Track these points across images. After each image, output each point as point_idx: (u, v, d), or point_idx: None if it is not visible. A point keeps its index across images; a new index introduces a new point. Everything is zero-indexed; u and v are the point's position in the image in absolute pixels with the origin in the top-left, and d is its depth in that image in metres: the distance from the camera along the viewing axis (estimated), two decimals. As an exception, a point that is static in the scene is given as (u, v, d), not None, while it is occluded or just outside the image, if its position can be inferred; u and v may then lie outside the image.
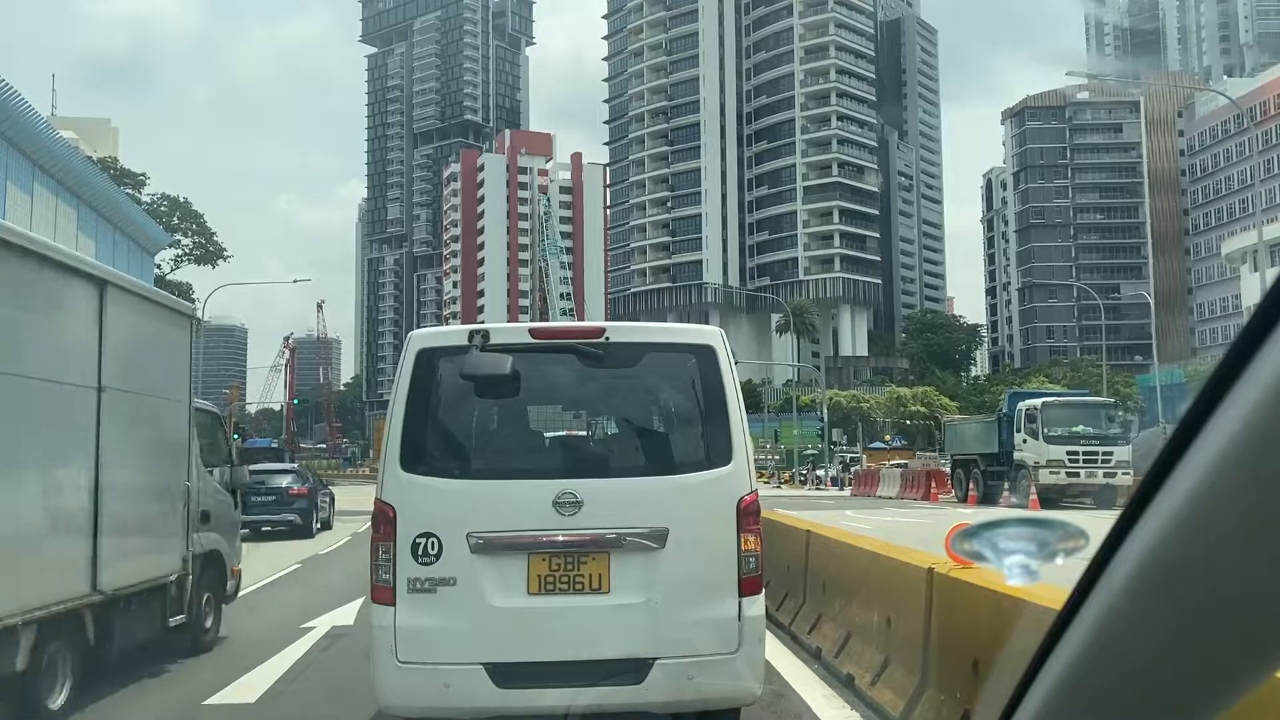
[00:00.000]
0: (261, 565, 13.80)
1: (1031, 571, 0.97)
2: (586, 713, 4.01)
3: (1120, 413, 26.76)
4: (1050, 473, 24.62)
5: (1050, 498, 24.59)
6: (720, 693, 4.12)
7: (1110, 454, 24.43)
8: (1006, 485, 26.05)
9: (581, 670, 3.99)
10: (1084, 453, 24.59)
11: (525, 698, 3.99)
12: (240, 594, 10.75)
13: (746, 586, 4.10)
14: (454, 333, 4.33)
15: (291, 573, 12.97)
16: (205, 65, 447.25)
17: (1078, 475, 24.53)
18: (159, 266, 53.56)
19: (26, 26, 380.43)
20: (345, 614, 8.88)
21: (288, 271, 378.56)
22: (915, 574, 4.90)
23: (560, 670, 4.00)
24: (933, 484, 31.46)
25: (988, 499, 26.91)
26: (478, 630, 4.02)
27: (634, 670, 3.98)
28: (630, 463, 4.48)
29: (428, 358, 4.24)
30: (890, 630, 5.23)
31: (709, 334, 4.44)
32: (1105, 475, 24.12)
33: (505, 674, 3.98)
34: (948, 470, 33.33)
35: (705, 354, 4.30)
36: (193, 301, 55.61)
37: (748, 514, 4.14)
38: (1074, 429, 25.00)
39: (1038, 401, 26.36)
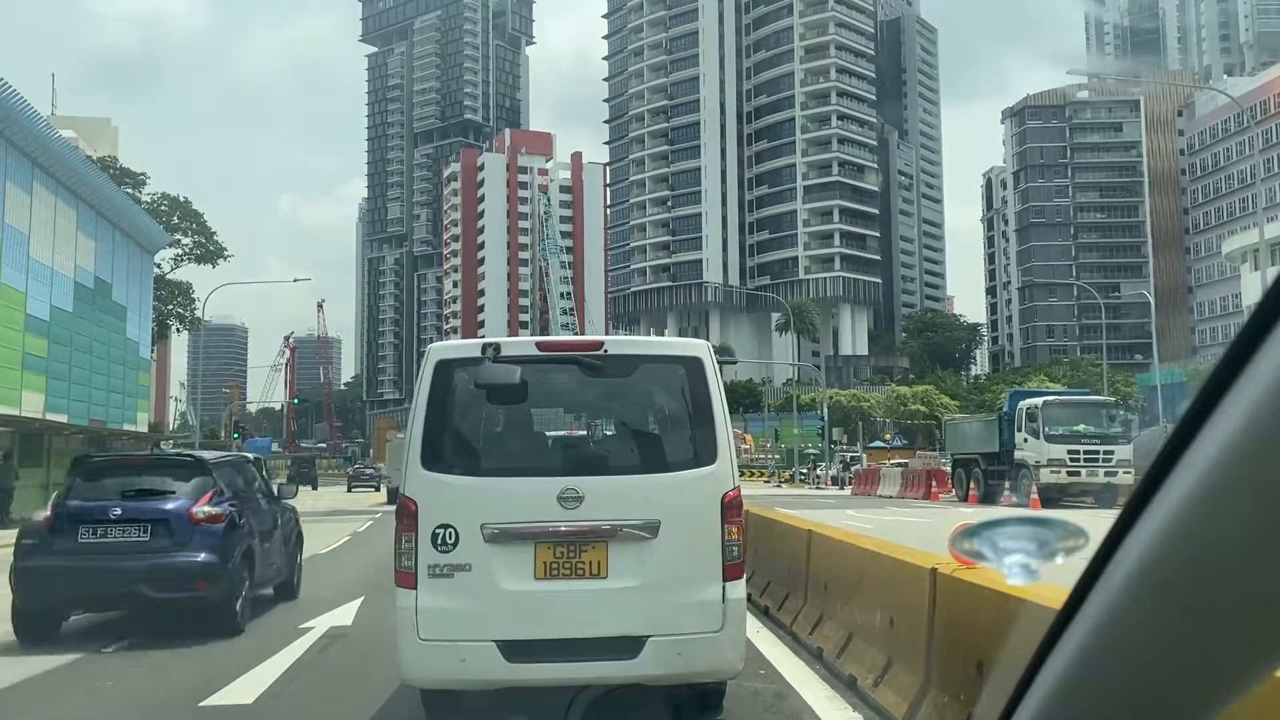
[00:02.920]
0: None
1: (1031, 571, 0.97)
2: (591, 688, 4.17)
3: (1121, 411, 26.67)
4: (1051, 472, 24.53)
5: (1051, 497, 24.50)
6: (706, 667, 4.59)
7: (1111, 453, 24.34)
8: (1007, 484, 25.96)
9: (582, 647, 4.41)
10: (1085, 452, 24.49)
11: (532, 671, 4.41)
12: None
13: (730, 572, 4.55)
14: (468, 345, 4.78)
15: (290, 572, 12.88)
16: (212, 65, 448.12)
17: (1079, 474, 24.43)
18: (159, 266, 53.47)
19: (36, 26, 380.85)
20: (344, 614, 8.82)
21: (290, 271, 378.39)
22: (918, 574, 4.85)
23: (563, 646, 4.41)
24: (933, 483, 31.39)
25: (989, 498, 26.84)
26: (490, 611, 4.45)
27: (629, 647, 4.41)
28: (626, 462, 4.93)
29: (445, 368, 4.71)
30: (893, 631, 5.18)
31: (697, 346, 4.89)
32: (1106, 474, 24.02)
33: (515, 650, 4.41)
34: (948, 469, 33.29)
35: (693, 365, 4.75)
36: (192, 301, 55.66)
37: (731, 507, 4.60)
38: (1075, 428, 24.90)
39: (1038, 400, 26.26)
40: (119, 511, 7.96)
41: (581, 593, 4.48)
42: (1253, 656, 0.70)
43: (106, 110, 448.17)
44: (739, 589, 4.60)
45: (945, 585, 4.54)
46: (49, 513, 8.30)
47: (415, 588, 4.48)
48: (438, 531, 4.47)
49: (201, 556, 7.88)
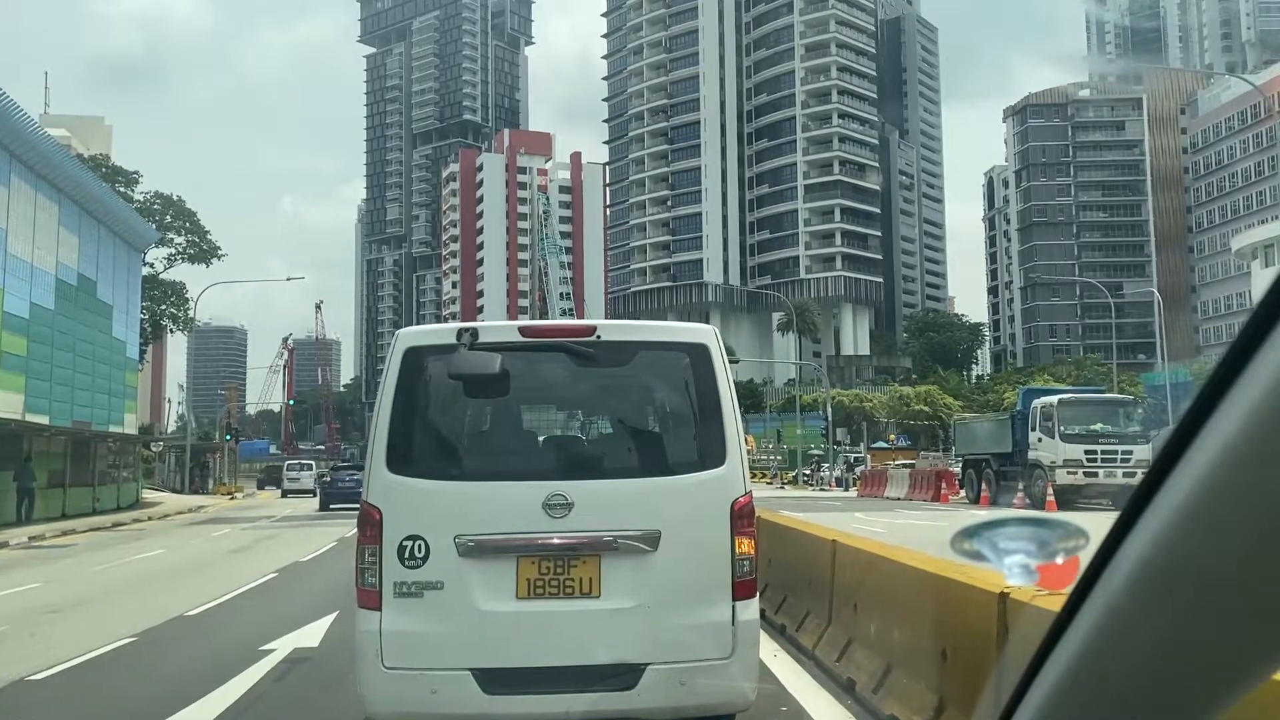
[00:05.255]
0: (234, 573, 12.90)
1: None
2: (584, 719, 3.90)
3: (1139, 410, 25.73)
4: (1067, 473, 23.61)
5: (1067, 498, 23.63)
6: (714, 698, 4.02)
7: (1130, 453, 23.38)
8: (1021, 486, 25.10)
9: (571, 676, 3.89)
10: (1102, 452, 23.55)
11: (513, 704, 3.90)
12: (202, 608, 9.87)
13: (740, 590, 4.03)
14: (442, 331, 4.23)
15: (265, 583, 12.01)
16: (216, 66, 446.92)
17: (1096, 475, 23.48)
18: (151, 266, 52.61)
19: (39, 27, 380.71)
20: (311, 634, 7.92)
21: (291, 272, 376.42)
22: (982, 599, 3.98)
23: (549, 676, 3.90)
24: (943, 485, 30.50)
25: (1000, 500, 25.99)
26: (465, 635, 3.92)
27: (625, 676, 3.90)
28: (622, 464, 4.30)
29: (415, 357, 4.15)
30: (947, 666, 4.31)
31: (702, 332, 4.35)
32: (1125, 475, 23.02)
33: (493, 680, 3.88)
34: (955, 470, 32.44)
35: (698, 353, 4.22)
36: (186, 301, 54.84)
37: (741, 516, 4.07)
38: (1092, 427, 23.97)
39: (1053, 399, 25.37)
40: (348, 478, 30.47)
41: (570, 614, 3.95)
42: (1253, 657, 0.70)
43: (111, 111, 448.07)
44: (751, 609, 4.05)
45: (1020, 615, 3.66)
46: (329, 477, 34.37)
47: (379, 608, 3.92)
48: (405, 544, 3.92)
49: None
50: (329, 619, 8.53)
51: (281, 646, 7.41)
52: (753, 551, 4.10)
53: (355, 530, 16.00)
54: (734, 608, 3.99)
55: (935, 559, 4.91)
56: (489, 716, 3.92)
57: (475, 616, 3.90)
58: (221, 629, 8.73)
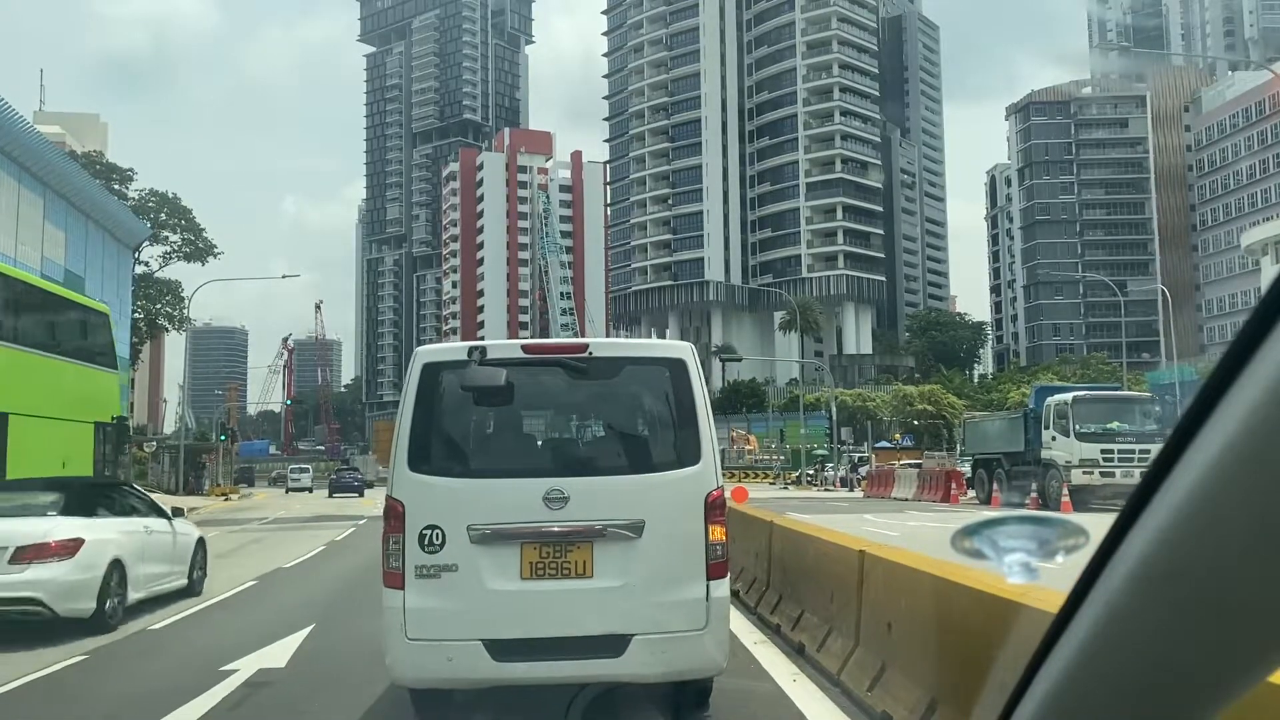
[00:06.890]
0: (210, 581, 12.13)
1: None
2: (591, 688, 4.24)
3: (1157, 408, 24.97)
4: (1083, 473, 22.86)
5: (1083, 499, 22.89)
6: (690, 665, 4.60)
7: (1147, 452, 22.56)
8: (1034, 486, 24.36)
9: (568, 645, 4.45)
10: (1119, 451, 22.81)
11: (519, 669, 4.46)
12: (166, 622, 9.14)
13: (714, 571, 4.60)
14: (455, 349, 4.84)
15: (240, 592, 11.24)
16: (221, 67, 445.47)
17: (1113, 475, 22.69)
18: (146, 264, 51.94)
19: (43, 28, 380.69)
20: (279, 652, 7.16)
21: (293, 272, 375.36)
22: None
23: (549, 645, 4.45)
24: (952, 485, 29.78)
25: (1012, 500, 25.26)
26: (477, 610, 4.48)
27: (614, 645, 4.45)
28: (611, 463, 4.93)
29: (432, 371, 4.75)
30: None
31: (680, 349, 4.96)
32: (1143, 475, 22.32)
33: (501, 649, 4.43)
34: (964, 470, 31.71)
35: (677, 367, 4.82)
36: (181, 300, 54.04)
37: (714, 507, 4.65)
38: (1108, 425, 23.25)
39: (1068, 396, 24.62)
40: (348, 475, 52.12)
41: (567, 592, 4.51)
42: (1252, 657, 0.70)
43: (117, 112, 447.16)
44: (723, 588, 4.64)
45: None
46: (334, 475, 54.17)
47: (403, 588, 4.50)
48: (424, 532, 4.50)
49: (359, 481, 51.12)
50: (302, 634, 7.80)
51: (245, 666, 6.67)
52: (724, 538, 4.66)
53: (345, 535, 15.20)
54: (708, 586, 4.55)
55: (987, 575, 4.17)
56: (498, 680, 4.50)
57: (485, 594, 4.46)
58: (183, 645, 7.99)
